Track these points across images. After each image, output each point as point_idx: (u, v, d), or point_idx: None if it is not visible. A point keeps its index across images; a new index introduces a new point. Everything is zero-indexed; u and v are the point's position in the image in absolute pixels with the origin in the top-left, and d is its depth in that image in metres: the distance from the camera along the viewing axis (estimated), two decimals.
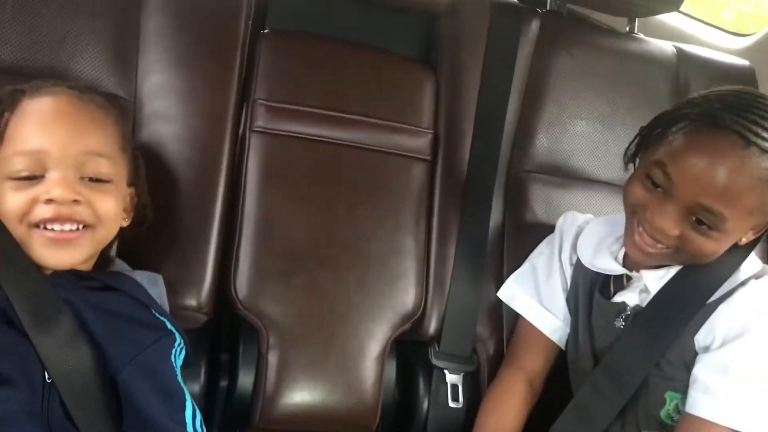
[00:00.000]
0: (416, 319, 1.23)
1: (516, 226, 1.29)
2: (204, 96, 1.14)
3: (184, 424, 0.85)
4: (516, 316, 1.22)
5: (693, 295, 1.02)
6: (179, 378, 0.89)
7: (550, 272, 1.19)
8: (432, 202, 1.27)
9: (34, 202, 0.84)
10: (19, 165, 0.85)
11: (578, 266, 1.16)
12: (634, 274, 1.07)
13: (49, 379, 0.81)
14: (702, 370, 0.97)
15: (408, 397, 1.25)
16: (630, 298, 1.08)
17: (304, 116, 1.22)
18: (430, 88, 1.30)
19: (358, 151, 1.23)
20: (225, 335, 1.22)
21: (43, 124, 0.87)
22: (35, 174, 0.85)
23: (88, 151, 0.87)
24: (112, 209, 0.90)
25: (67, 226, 0.86)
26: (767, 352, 0.95)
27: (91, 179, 0.88)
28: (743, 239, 0.99)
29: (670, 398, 1.02)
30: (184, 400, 0.87)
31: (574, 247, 1.17)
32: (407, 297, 1.22)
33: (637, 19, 1.49)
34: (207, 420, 0.93)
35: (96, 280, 0.90)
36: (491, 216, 1.28)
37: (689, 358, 1.00)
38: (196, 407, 0.88)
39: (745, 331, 0.95)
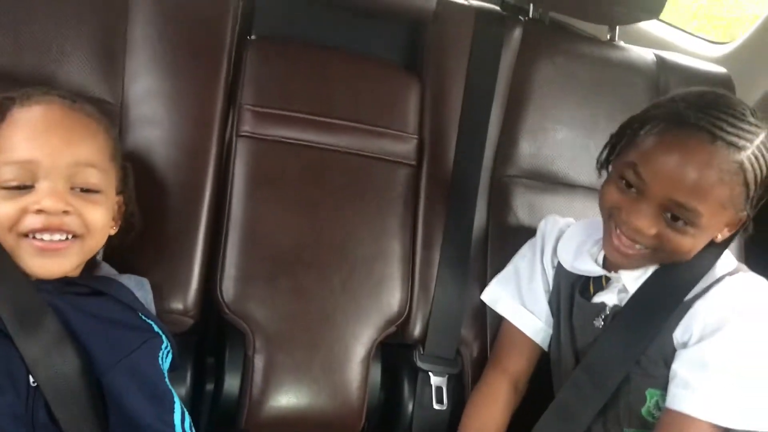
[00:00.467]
0: (401, 322, 1.24)
1: (499, 229, 1.31)
2: (191, 101, 1.15)
3: (173, 426, 0.86)
4: (499, 319, 1.23)
5: (670, 293, 1.04)
6: (167, 380, 0.90)
7: (533, 275, 1.20)
8: (417, 206, 1.28)
9: (23, 211, 0.84)
10: (9, 174, 0.84)
11: (560, 269, 1.17)
12: (612, 274, 1.09)
13: (33, 382, 0.81)
14: (681, 366, 0.99)
15: (393, 400, 1.26)
16: (609, 298, 1.10)
17: (291, 121, 1.23)
18: (415, 94, 1.32)
19: (344, 155, 1.25)
20: (211, 339, 1.22)
21: (33, 134, 0.86)
22: (25, 184, 0.84)
23: (78, 162, 0.87)
24: (101, 219, 0.90)
25: (57, 236, 0.86)
26: (744, 347, 0.97)
27: (81, 189, 0.88)
28: (719, 236, 1.02)
29: (651, 395, 1.03)
30: (173, 402, 0.87)
31: (555, 250, 1.19)
32: (392, 300, 1.23)
33: (617, 27, 1.51)
34: (193, 424, 0.93)
35: (82, 285, 0.90)
36: (475, 220, 1.29)
37: (668, 355, 1.02)
38: (185, 409, 0.89)
39: (721, 326, 0.97)
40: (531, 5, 1.46)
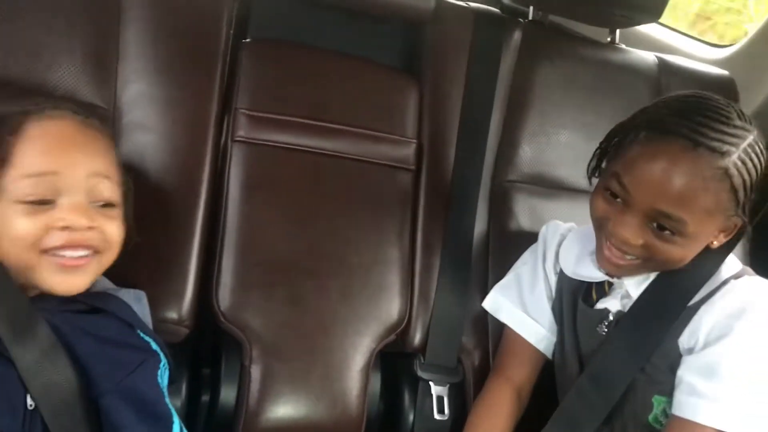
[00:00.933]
0: (401, 330, 1.22)
1: (500, 235, 1.29)
2: (185, 105, 1.13)
3: None
4: (501, 327, 1.21)
5: (673, 297, 1.02)
6: (166, 398, 0.88)
7: (535, 281, 1.18)
8: (416, 211, 1.27)
9: (47, 228, 0.82)
10: (30, 188, 0.83)
11: (562, 275, 1.16)
12: (615, 280, 1.08)
13: (31, 404, 0.79)
14: (687, 372, 0.98)
15: (393, 410, 1.24)
16: (612, 304, 1.08)
17: (287, 126, 1.21)
18: (414, 98, 1.30)
19: (341, 160, 1.23)
20: (206, 349, 1.20)
21: (51, 147, 0.86)
22: (46, 198, 0.83)
23: (97, 173, 0.87)
24: (119, 233, 0.89)
25: (79, 252, 0.85)
26: (751, 351, 0.95)
27: (100, 204, 0.87)
28: (714, 242, 0.99)
29: (658, 402, 1.02)
30: (171, 422, 0.86)
31: (557, 256, 1.17)
32: (392, 308, 1.21)
33: (618, 30, 1.50)
34: None
35: (81, 302, 0.88)
36: (476, 226, 1.28)
37: (674, 361, 1.00)
38: (183, 427, 0.87)
39: (727, 331, 0.96)
40: (531, 8, 1.44)
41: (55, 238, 0.83)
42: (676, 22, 1.96)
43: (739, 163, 0.91)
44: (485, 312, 1.23)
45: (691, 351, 0.99)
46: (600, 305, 1.09)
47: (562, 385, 1.14)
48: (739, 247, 1.29)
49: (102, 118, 1.05)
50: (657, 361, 1.01)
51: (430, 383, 1.22)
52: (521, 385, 1.17)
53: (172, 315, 1.08)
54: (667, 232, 0.95)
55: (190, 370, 1.13)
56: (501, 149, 1.33)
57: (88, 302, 0.89)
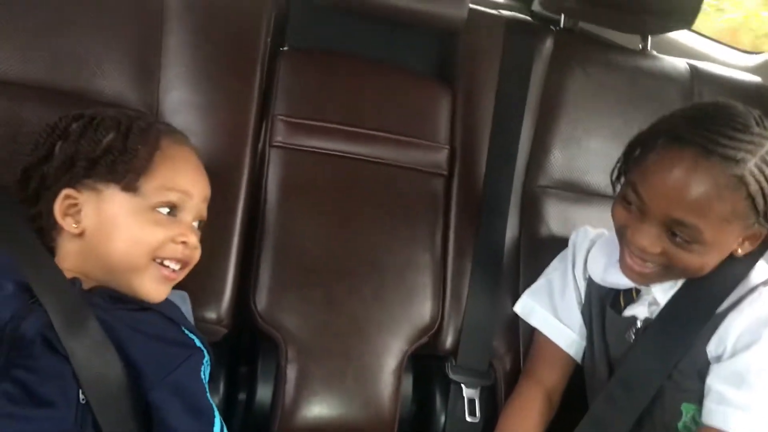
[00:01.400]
0: (433, 333, 1.23)
1: (531, 240, 1.30)
2: (224, 111, 1.16)
3: None
4: (532, 331, 1.22)
5: (701, 305, 1.02)
6: (208, 394, 0.90)
7: (565, 287, 1.19)
8: (448, 216, 1.28)
9: (169, 240, 0.90)
10: (169, 202, 0.91)
11: (591, 281, 1.16)
12: (642, 287, 1.08)
13: (83, 399, 0.82)
14: (716, 381, 0.98)
15: (425, 411, 1.25)
16: (640, 311, 1.09)
17: (323, 131, 1.23)
18: (447, 104, 1.32)
19: (376, 165, 1.25)
20: (244, 348, 1.22)
21: (187, 170, 0.95)
22: (175, 213, 0.92)
23: (206, 198, 0.98)
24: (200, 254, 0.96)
25: (177, 266, 0.93)
26: None
27: (199, 224, 0.97)
28: (738, 250, 0.99)
29: (687, 409, 1.02)
30: (213, 416, 0.88)
31: (586, 262, 1.18)
32: (424, 310, 1.23)
33: (649, 37, 1.50)
34: None
35: (130, 301, 0.91)
36: (507, 230, 1.29)
37: (702, 368, 1.00)
38: (223, 423, 0.89)
39: (755, 338, 0.96)
40: (562, 15, 1.45)
41: (173, 251, 0.91)
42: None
43: (756, 171, 0.91)
44: (516, 316, 1.24)
45: (719, 359, 0.99)
46: (628, 312, 1.10)
47: (592, 390, 1.15)
48: None
49: None
50: (685, 368, 1.01)
51: (462, 386, 1.23)
52: (552, 388, 1.17)
53: (211, 315, 1.10)
54: (683, 239, 0.95)
55: (227, 369, 1.15)
56: (532, 155, 1.34)
57: (137, 300, 0.92)
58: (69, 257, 0.90)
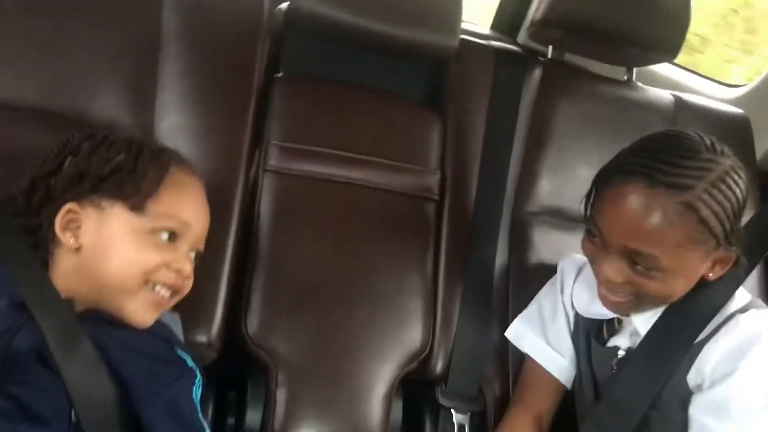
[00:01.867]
0: (423, 358, 1.23)
1: (521, 266, 1.31)
2: (219, 136, 1.17)
3: None
4: (521, 357, 1.23)
5: (680, 334, 1.03)
6: (200, 415, 0.90)
7: (555, 313, 1.20)
8: (439, 241, 1.29)
9: (164, 265, 0.90)
10: (170, 227, 0.91)
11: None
12: (623, 317, 1.10)
13: (74, 418, 0.82)
14: (697, 411, 0.98)
15: None
16: (622, 342, 1.10)
17: (316, 156, 1.25)
18: (438, 131, 1.34)
19: (368, 190, 1.27)
20: (233, 372, 1.21)
21: (194, 200, 0.97)
22: (174, 239, 0.92)
23: (206, 231, 0.99)
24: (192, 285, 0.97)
25: (168, 293, 0.92)
26: (758, 387, 0.96)
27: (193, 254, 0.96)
28: (710, 275, 1.00)
29: None
30: None
31: (573, 290, 1.19)
32: (414, 335, 1.23)
33: (634, 69, 1.53)
34: None
35: (121, 323, 0.91)
36: (497, 256, 1.30)
37: (685, 397, 1.01)
38: None
39: (733, 368, 0.96)
40: (550, 47, 1.48)
41: (167, 276, 0.91)
42: None
43: (706, 196, 0.92)
44: (506, 342, 1.24)
45: (699, 388, 0.99)
46: (611, 343, 1.11)
47: (582, 415, 1.15)
48: (754, 276, 1.31)
49: None
50: (668, 397, 1.02)
51: (452, 411, 1.23)
52: (541, 415, 1.17)
53: (202, 339, 1.10)
54: (644, 268, 0.96)
55: (216, 393, 1.14)
56: (521, 182, 1.36)
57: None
58: (63, 273, 0.89)
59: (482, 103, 1.36)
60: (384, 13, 1.29)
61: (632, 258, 0.97)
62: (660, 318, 1.05)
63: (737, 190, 0.95)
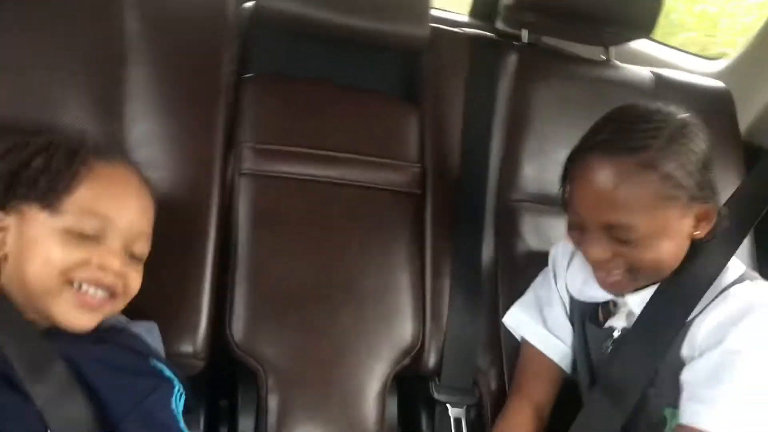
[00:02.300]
0: (415, 354, 1.22)
1: (509, 254, 1.30)
2: (191, 142, 1.15)
3: None
4: (515, 347, 1.22)
5: (673, 310, 1.02)
6: (182, 424, 0.89)
7: (551, 300, 1.19)
8: (423, 235, 1.28)
9: (84, 262, 0.86)
10: (88, 224, 0.87)
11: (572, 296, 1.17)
12: (619, 299, 1.09)
13: None
14: (687, 378, 0.98)
15: None
16: (619, 323, 1.09)
17: (291, 156, 1.23)
18: (415, 124, 1.33)
19: (347, 188, 1.25)
20: (223, 380, 1.20)
21: (115, 194, 0.91)
22: (90, 236, 0.87)
23: (140, 231, 0.93)
24: (138, 285, 0.93)
25: (100, 293, 0.88)
26: (748, 355, 0.94)
27: (131, 255, 0.91)
28: (696, 232, 1.00)
29: (671, 414, 1.01)
30: None
31: (567, 277, 1.18)
32: (404, 331, 1.22)
33: (612, 48, 1.52)
34: None
35: (91, 337, 0.89)
36: (484, 246, 1.29)
37: (680, 373, 1.00)
38: None
39: (723, 336, 0.95)
40: (524, 31, 1.47)
41: (87, 273, 0.86)
42: None
43: (663, 152, 0.94)
44: (498, 332, 1.23)
45: (691, 359, 0.99)
46: (608, 324, 1.10)
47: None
48: (745, 251, 1.30)
49: None
50: (664, 373, 1.01)
51: (447, 405, 1.22)
52: (541, 403, 1.16)
53: (187, 349, 1.08)
54: (626, 239, 0.97)
55: (207, 402, 1.13)
56: (503, 169, 1.34)
57: (98, 336, 0.90)
58: (4, 287, 0.87)
59: (458, 92, 1.35)
60: (350, 6, 1.28)
61: (611, 232, 0.97)
62: (654, 296, 1.05)
63: (697, 142, 0.97)
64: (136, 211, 0.93)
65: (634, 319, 1.06)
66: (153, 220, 0.97)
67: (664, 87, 1.46)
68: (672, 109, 1.00)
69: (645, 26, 1.43)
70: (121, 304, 0.92)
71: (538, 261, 1.24)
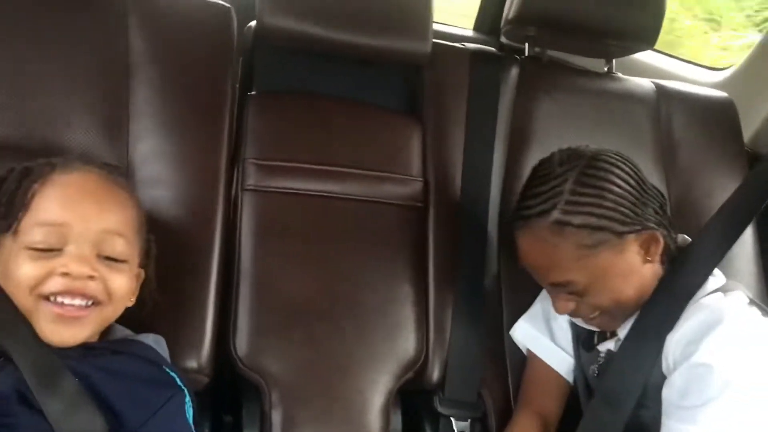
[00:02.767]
0: (419, 367, 1.22)
1: (511, 267, 1.28)
2: (195, 159, 1.16)
3: None
4: (520, 360, 1.22)
5: (652, 329, 1.02)
6: None
7: (557, 315, 1.18)
8: (427, 248, 1.28)
9: (49, 274, 0.84)
10: (40, 236, 0.85)
11: None
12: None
13: None
14: (664, 396, 0.99)
15: None
16: (607, 346, 1.11)
17: (295, 172, 1.24)
18: (417, 138, 1.33)
19: (351, 202, 1.25)
20: (226, 396, 1.20)
21: (68, 199, 0.88)
22: (53, 247, 0.85)
23: (107, 230, 0.89)
24: (123, 287, 0.90)
25: (77, 301, 0.86)
26: (717, 367, 0.93)
27: (107, 257, 0.88)
28: (647, 259, 1.02)
29: None
30: None
31: None
32: (408, 345, 1.22)
33: (614, 60, 1.52)
34: None
35: (102, 348, 0.90)
36: (487, 259, 1.28)
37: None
38: None
39: (692, 352, 0.95)
40: (526, 44, 1.47)
41: (55, 284, 0.84)
42: None
43: (569, 206, 0.98)
44: (502, 345, 1.24)
45: (670, 374, 0.99)
46: (602, 347, 1.11)
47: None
48: (750, 248, 1.33)
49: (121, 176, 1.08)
50: (652, 394, 1.01)
51: (452, 419, 1.22)
52: (549, 416, 1.17)
53: (192, 364, 1.09)
54: (574, 292, 1.01)
55: (211, 418, 1.13)
56: (506, 183, 1.34)
57: (110, 347, 0.91)
58: None
59: (460, 107, 1.35)
60: (353, 24, 1.28)
61: (560, 289, 1.02)
62: (636, 318, 1.05)
63: (611, 176, 0.99)
64: (95, 211, 0.88)
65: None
66: (131, 217, 0.94)
67: (665, 98, 1.47)
68: (580, 150, 1.03)
69: (647, 37, 1.43)
70: (109, 309, 0.90)
71: None
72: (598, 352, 1.10)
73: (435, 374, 1.23)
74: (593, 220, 0.97)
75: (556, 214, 0.98)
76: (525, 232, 1.02)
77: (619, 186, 0.99)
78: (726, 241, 1.08)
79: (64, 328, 0.85)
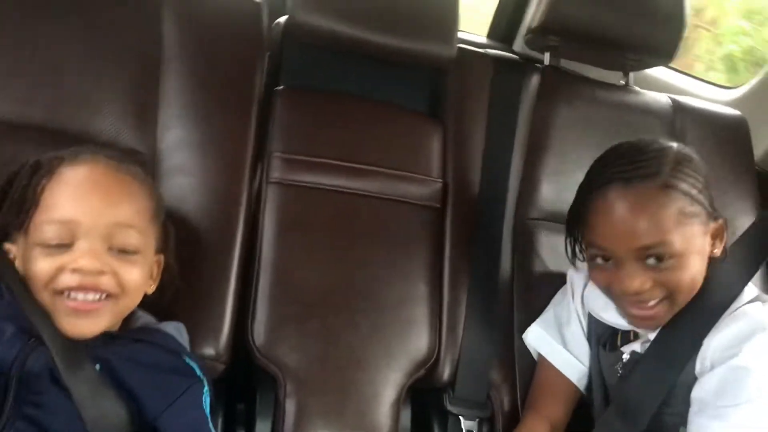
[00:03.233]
0: (430, 366, 1.24)
1: (524, 271, 1.32)
2: (222, 150, 1.17)
3: None
4: (529, 363, 1.23)
5: (690, 332, 1.03)
6: (210, 425, 0.91)
7: (570, 319, 1.21)
8: (443, 248, 1.30)
9: (60, 269, 0.85)
10: (50, 233, 0.85)
11: (590, 316, 1.18)
12: (641, 331, 1.11)
13: None
14: (696, 393, 1.00)
15: None
16: (632, 347, 1.11)
17: (319, 167, 1.26)
18: (438, 140, 1.35)
19: (371, 199, 1.27)
20: (241, 384, 1.22)
21: (76, 194, 0.88)
22: (64, 242, 0.85)
23: (117, 223, 0.88)
24: (137, 279, 0.90)
25: (90, 296, 0.86)
26: (757, 372, 0.96)
27: (119, 250, 0.88)
28: (715, 251, 1.04)
29: None
30: None
31: (584, 298, 1.19)
32: (421, 343, 1.24)
33: (631, 74, 1.54)
34: None
35: (124, 338, 0.91)
36: (501, 261, 1.30)
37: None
38: None
39: (734, 352, 0.98)
40: (547, 54, 1.49)
41: (66, 280, 0.85)
42: None
43: (675, 172, 1.00)
44: (512, 348, 1.25)
45: (703, 374, 1.01)
46: (626, 349, 1.12)
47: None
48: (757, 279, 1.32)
49: (142, 164, 1.08)
50: (678, 391, 1.03)
51: (460, 418, 1.24)
52: (557, 422, 1.18)
53: (210, 351, 1.10)
54: (662, 260, 1.00)
55: (225, 406, 1.14)
56: (522, 188, 1.37)
57: (132, 336, 0.92)
58: None
59: (481, 111, 1.38)
60: (382, 24, 1.31)
61: (646, 258, 1.00)
62: (672, 318, 1.06)
63: (697, 164, 1.04)
64: (104, 205, 0.88)
65: (648, 344, 1.08)
66: (143, 207, 0.93)
67: (681, 113, 1.49)
68: (663, 141, 1.06)
69: (666, 53, 1.46)
70: (124, 301, 0.90)
71: (554, 279, 1.26)
72: (621, 353, 1.11)
73: (446, 373, 1.25)
74: (694, 192, 1.00)
75: (664, 177, 1.00)
76: (626, 193, 1.00)
77: (705, 174, 1.04)
78: (762, 253, 1.12)
79: (81, 321, 0.86)
